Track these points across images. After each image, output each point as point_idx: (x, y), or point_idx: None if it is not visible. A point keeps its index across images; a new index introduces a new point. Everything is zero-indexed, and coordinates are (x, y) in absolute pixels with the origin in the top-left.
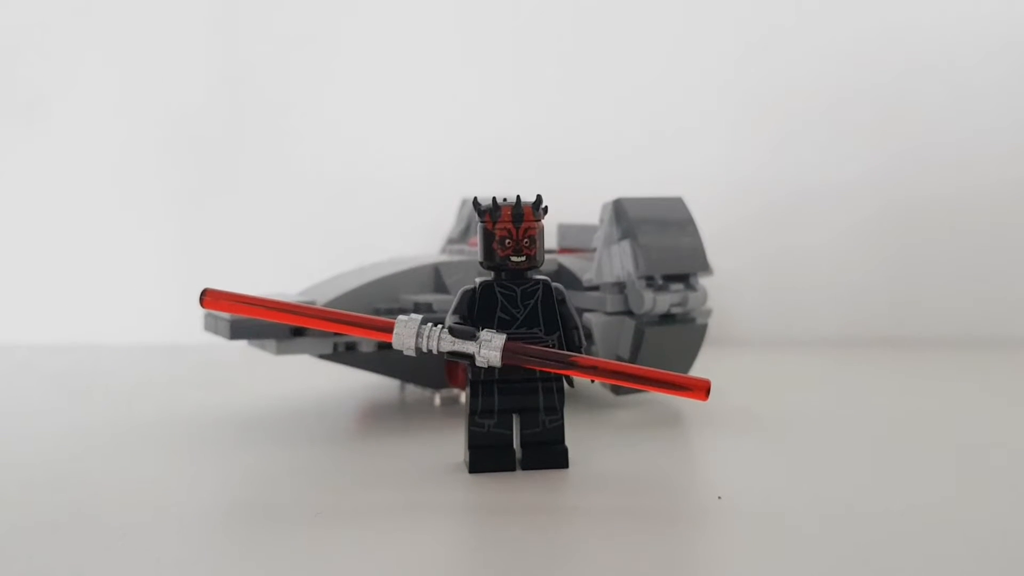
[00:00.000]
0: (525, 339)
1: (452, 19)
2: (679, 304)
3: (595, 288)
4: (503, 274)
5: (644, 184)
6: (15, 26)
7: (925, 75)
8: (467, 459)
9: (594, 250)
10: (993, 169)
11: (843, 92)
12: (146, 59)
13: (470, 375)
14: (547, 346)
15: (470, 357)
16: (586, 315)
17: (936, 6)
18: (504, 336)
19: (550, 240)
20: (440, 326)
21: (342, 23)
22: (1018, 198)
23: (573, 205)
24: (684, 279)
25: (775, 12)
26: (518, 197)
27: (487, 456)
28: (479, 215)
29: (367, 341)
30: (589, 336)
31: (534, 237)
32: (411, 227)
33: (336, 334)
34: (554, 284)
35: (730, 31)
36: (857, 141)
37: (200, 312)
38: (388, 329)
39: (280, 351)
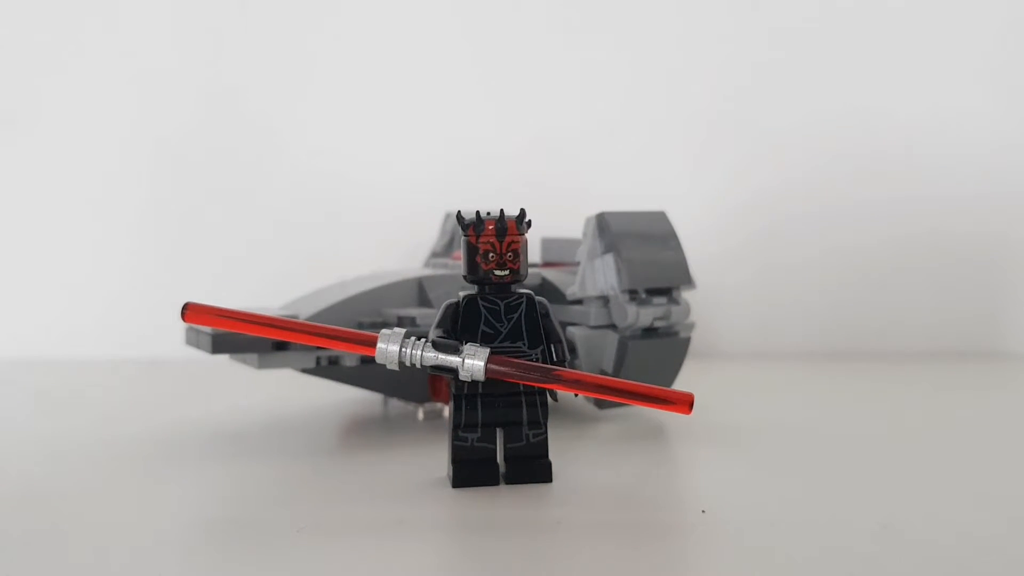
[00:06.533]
0: (509, 353)
1: (437, 36)
2: (662, 318)
3: (578, 302)
4: (487, 288)
5: (631, 203)
6: None
7: (902, 107)
8: (450, 473)
9: (577, 264)
10: (963, 193)
11: (826, 125)
12: (129, 74)
13: (453, 389)
14: (531, 360)
15: (453, 371)
16: (569, 329)
17: (923, 46)
18: (487, 350)
19: (534, 254)
20: (423, 340)
21: (325, 39)
22: (985, 220)
23: (556, 219)
24: (667, 293)
25: (767, 47)
26: (502, 211)
27: (471, 470)
28: (463, 229)
29: (350, 355)
30: (572, 350)
31: (518, 251)
32: (394, 241)
33: (319, 348)
34: (538, 298)
35: (720, 65)
36: (836, 171)
37: (182, 326)
38: (371, 343)
39: (262, 365)
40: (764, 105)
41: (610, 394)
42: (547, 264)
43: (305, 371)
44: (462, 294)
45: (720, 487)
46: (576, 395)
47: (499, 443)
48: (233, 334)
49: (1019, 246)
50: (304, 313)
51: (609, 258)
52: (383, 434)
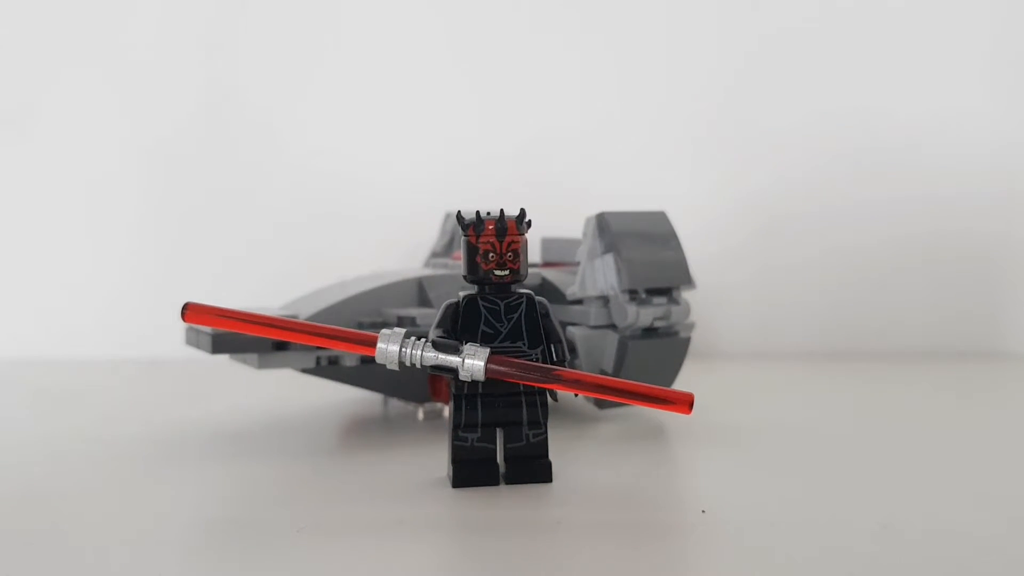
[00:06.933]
0: (509, 353)
1: (437, 36)
2: (662, 318)
3: (578, 302)
4: (487, 288)
5: (631, 203)
6: None
7: (902, 107)
8: (450, 473)
9: (577, 264)
10: (962, 192)
11: (826, 125)
12: (128, 73)
13: (453, 389)
14: (531, 360)
15: (453, 371)
16: (569, 329)
17: (923, 46)
18: (488, 350)
19: (534, 254)
20: (423, 340)
21: (325, 39)
22: (985, 220)
23: (556, 219)
24: (667, 293)
25: (767, 47)
26: (502, 211)
27: (471, 470)
28: (463, 229)
29: (350, 355)
30: (573, 350)
31: (518, 251)
32: (394, 241)
33: (319, 348)
34: (538, 298)
35: (720, 64)
36: (836, 171)
37: (182, 326)
38: (371, 343)
39: (262, 365)
40: (764, 105)
41: (610, 394)
42: (547, 264)
43: (305, 371)
44: (462, 294)
45: (720, 487)
46: (576, 395)
47: (499, 443)
48: (233, 334)
49: (1019, 246)
50: (304, 313)
51: (609, 258)
52: (383, 434)
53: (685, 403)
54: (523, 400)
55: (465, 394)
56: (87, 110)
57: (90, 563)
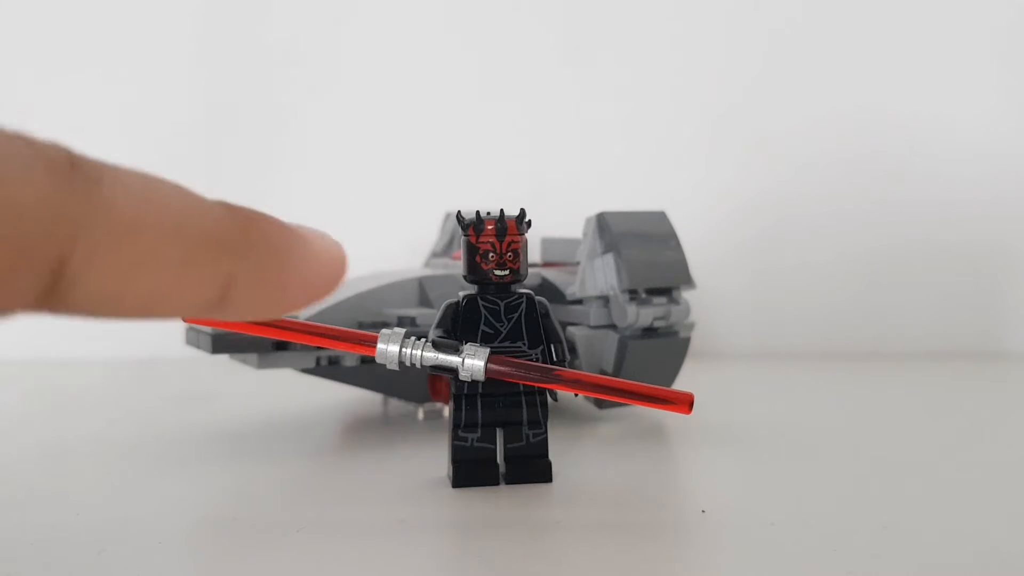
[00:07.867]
0: (509, 353)
1: (443, 37)
2: (662, 318)
3: (578, 302)
4: (487, 288)
5: (632, 203)
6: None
7: (902, 112)
8: (451, 473)
9: (578, 264)
10: (962, 196)
11: (827, 130)
12: (128, 73)
13: (453, 389)
14: (531, 360)
15: (453, 371)
16: (570, 329)
17: (926, 52)
18: (488, 350)
19: (534, 254)
20: (424, 340)
21: (331, 38)
22: (984, 222)
23: (557, 219)
24: (667, 293)
25: (769, 52)
26: (501, 211)
27: (471, 470)
28: (463, 229)
29: (350, 355)
30: (573, 349)
31: (518, 251)
32: (394, 241)
33: (319, 348)
34: (538, 298)
35: (724, 70)
36: (836, 174)
37: (182, 326)
38: (371, 343)
39: (262, 365)
40: (766, 110)
41: (610, 394)
42: (547, 264)
43: (305, 371)
44: (462, 294)
45: (720, 487)
46: (576, 395)
47: (499, 443)
48: (233, 334)
49: (1018, 247)
50: (304, 313)
51: (609, 258)
52: (383, 434)
53: (685, 403)
54: (523, 400)
55: (465, 394)
56: (87, 110)
57: (90, 563)
